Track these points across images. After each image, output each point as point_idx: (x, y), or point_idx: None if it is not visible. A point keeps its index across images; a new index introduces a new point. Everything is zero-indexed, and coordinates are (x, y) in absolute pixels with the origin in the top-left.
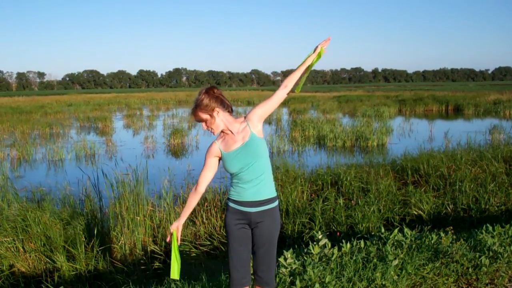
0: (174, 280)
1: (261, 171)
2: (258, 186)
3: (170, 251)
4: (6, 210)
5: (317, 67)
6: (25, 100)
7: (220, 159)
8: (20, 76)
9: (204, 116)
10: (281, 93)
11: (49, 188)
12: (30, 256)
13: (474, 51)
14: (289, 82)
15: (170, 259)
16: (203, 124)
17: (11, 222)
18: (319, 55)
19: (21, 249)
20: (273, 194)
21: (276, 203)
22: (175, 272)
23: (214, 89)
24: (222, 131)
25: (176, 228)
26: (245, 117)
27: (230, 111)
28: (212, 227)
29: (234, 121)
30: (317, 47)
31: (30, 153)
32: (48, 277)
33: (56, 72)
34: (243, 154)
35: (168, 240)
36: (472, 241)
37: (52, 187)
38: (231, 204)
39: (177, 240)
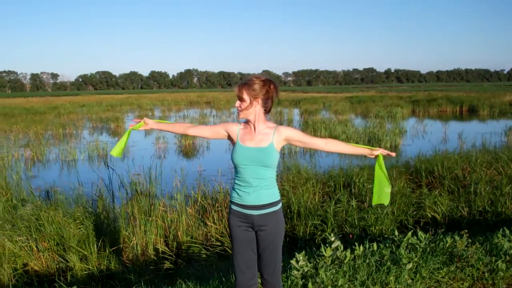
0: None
1: (263, 178)
2: (260, 191)
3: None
4: (21, 209)
5: (329, 68)
6: (39, 101)
7: (229, 138)
8: (34, 77)
9: (245, 97)
10: (318, 144)
11: (62, 188)
12: (43, 255)
13: (489, 51)
14: (331, 143)
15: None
16: (238, 101)
17: (25, 221)
18: (379, 159)
19: (35, 248)
20: (276, 198)
21: (279, 206)
22: (117, 150)
23: (271, 84)
24: (248, 121)
25: (147, 123)
26: (276, 126)
27: (266, 111)
28: (223, 228)
29: (263, 121)
30: (376, 149)
31: (44, 153)
32: (61, 276)
33: (69, 73)
34: (252, 156)
35: (134, 120)
36: (488, 245)
37: (65, 187)
38: (234, 207)
39: (137, 127)
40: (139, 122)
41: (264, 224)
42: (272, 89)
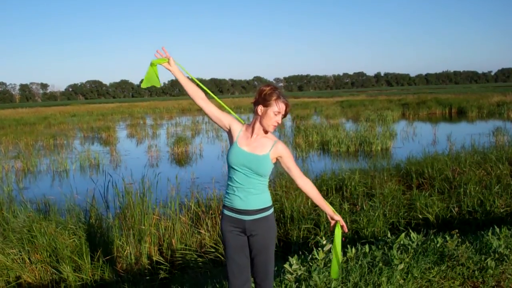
0: None
1: (254, 184)
2: (250, 197)
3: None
4: (12, 221)
5: (320, 73)
6: (29, 112)
7: (229, 133)
8: (23, 87)
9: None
10: (297, 177)
11: (54, 199)
12: (36, 267)
13: (476, 53)
14: (305, 183)
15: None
16: (281, 118)
17: (17, 233)
18: (337, 227)
19: (27, 261)
20: (267, 203)
21: (270, 211)
22: (144, 82)
23: (267, 92)
24: (250, 125)
25: (171, 64)
26: (276, 140)
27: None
28: (217, 235)
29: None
30: (337, 215)
31: (35, 165)
32: (55, 287)
33: (59, 83)
34: (246, 160)
35: (164, 49)
36: (478, 243)
37: (57, 198)
38: (226, 212)
39: (160, 61)
40: (164, 58)
41: (255, 229)
42: (266, 94)
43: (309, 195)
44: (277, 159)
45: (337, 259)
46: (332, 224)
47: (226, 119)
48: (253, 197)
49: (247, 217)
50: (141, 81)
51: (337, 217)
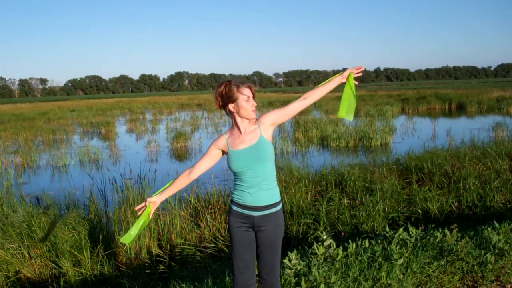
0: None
1: (264, 176)
2: (261, 192)
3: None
4: (12, 216)
5: (319, 68)
6: (28, 107)
7: (223, 153)
8: (23, 83)
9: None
10: (298, 105)
11: (53, 194)
12: (35, 262)
13: (476, 48)
14: (308, 95)
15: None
16: (253, 101)
17: (17, 228)
18: (349, 77)
19: (27, 255)
20: (277, 199)
21: (279, 206)
22: (128, 238)
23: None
24: (234, 125)
25: (154, 202)
26: (257, 120)
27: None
28: (217, 230)
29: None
30: (345, 70)
31: (34, 160)
32: (54, 282)
33: (58, 78)
34: (249, 155)
35: (137, 208)
36: (478, 238)
37: (56, 193)
38: (234, 207)
39: (149, 215)
40: (145, 207)
41: (264, 225)
42: (230, 91)
43: (319, 96)
44: (273, 126)
45: (347, 99)
46: (346, 79)
47: (214, 150)
48: (264, 192)
49: (256, 213)
50: (125, 236)
51: (346, 71)
